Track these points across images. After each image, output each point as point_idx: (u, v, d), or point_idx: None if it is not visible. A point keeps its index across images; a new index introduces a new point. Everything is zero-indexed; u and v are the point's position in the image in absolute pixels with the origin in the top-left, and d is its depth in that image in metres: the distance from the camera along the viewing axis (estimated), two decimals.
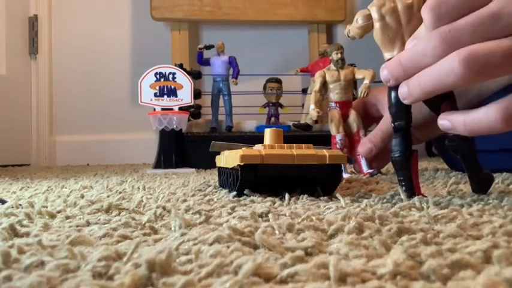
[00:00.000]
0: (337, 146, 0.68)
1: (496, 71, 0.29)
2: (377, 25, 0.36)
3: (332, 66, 0.71)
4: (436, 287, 0.15)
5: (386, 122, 0.64)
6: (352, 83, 0.72)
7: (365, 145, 0.64)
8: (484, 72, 0.29)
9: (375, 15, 0.36)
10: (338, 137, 0.68)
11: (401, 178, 0.37)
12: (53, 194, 0.46)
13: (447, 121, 0.33)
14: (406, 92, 0.33)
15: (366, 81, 0.69)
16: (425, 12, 0.31)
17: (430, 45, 0.30)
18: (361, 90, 0.68)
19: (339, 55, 0.70)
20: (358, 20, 0.37)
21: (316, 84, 0.70)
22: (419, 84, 0.32)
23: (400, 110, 0.36)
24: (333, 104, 0.70)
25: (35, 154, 1.65)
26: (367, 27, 0.37)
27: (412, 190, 0.36)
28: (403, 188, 0.37)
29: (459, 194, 0.40)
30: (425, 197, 0.36)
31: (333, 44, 0.74)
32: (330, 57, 0.71)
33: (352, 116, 0.70)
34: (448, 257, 0.18)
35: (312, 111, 0.68)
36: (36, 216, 0.31)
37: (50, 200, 0.41)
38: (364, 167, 0.66)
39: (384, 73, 0.34)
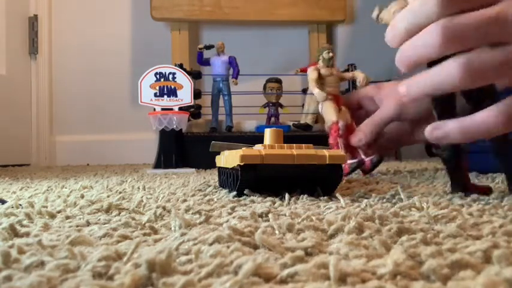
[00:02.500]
0: (340, 131, 0.68)
1: (492, 78, 0.30)
2: None
3: (321, 63, 0.73)
4: (436, 287, 0.15)
5: (379, 113, 0.67)
6: (339, 82, 0.75)
7: (356, 135, 0.67)
8: (481, 79, 0.30)
9: None
10: (340, 122, 0.69)
11: (453, 176, 0.37)
12: (53, 194, 0.46)
13: (439, 130, 0.33)
14: (405, 90, 0.34)
15: (362, 74, 0.73)
16: None
17: (431, 40, 0.30)
18: (360, 79, 0.72)
19: (330, 54, 0.73)
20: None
21: (313, 75, 0.71)
22: (418, 86, 0.33)
23: (445, 107, 0.35)
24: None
25: (35, 154, 1.65)
26: None
27: (464, 186, 0.37)
28: (455, 184, 0.37)
29: (459, 194, 0.40)
30: (484, 192, 0.37)
31: (323, 47, 0.77)
32: (320, 58, 0.74)
33: (344, 109, 0.71)
34: (448, 257, 0.18)
35: (318, 93, 0.69)
36: (36, 216, 0.31)
37: (50, 200, 0.41)
38: (362, 156, 0.68)
39: (389, 35, 0.34)
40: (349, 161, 0.66)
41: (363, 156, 0.67)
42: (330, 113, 0.70)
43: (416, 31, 0.32)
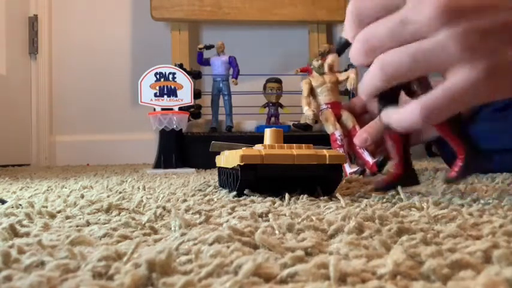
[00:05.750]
0: (338, 142, 0.69)
1: (408, 74, 0.33)
2: None
3: (314, 73, 0.74)
4: (436, 287, 0.15)
5: None
6: (338, 86, 0.75)
7: (360, 136, 0.67)
8: (397, 75, 0.33)
9: None
10: (337, 133, 0.70)
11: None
12: (53, 194, 0.46)
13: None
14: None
15: (352, 75, 0.73)
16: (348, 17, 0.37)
17: (355, 52, 0.35)
18: (349, 82, 0.73)
19: (319, 61, 0.74)
20: None
21: (304, 91, 0.73)
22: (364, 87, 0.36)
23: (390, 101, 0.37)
24: (324, 106, 0.72)
25: (35, 154, 1.65)
26: None
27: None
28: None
29: (459, 194, 0.40)
30: None
31: (319, 50, 0.79)
32: (311, 67, 0.75)
33: (345, 114, 0.72)
34: (448, 257, 0.18)
35: (307, 111, 0.70)
36: (36, 216, 0.31)
37: (50, 200, 0.41)
38: (368, 158, 0.67)
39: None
40: (350, 170, 0.66)
41: (367, 159, 0.67)
42: (326, 125, 0.72)
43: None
